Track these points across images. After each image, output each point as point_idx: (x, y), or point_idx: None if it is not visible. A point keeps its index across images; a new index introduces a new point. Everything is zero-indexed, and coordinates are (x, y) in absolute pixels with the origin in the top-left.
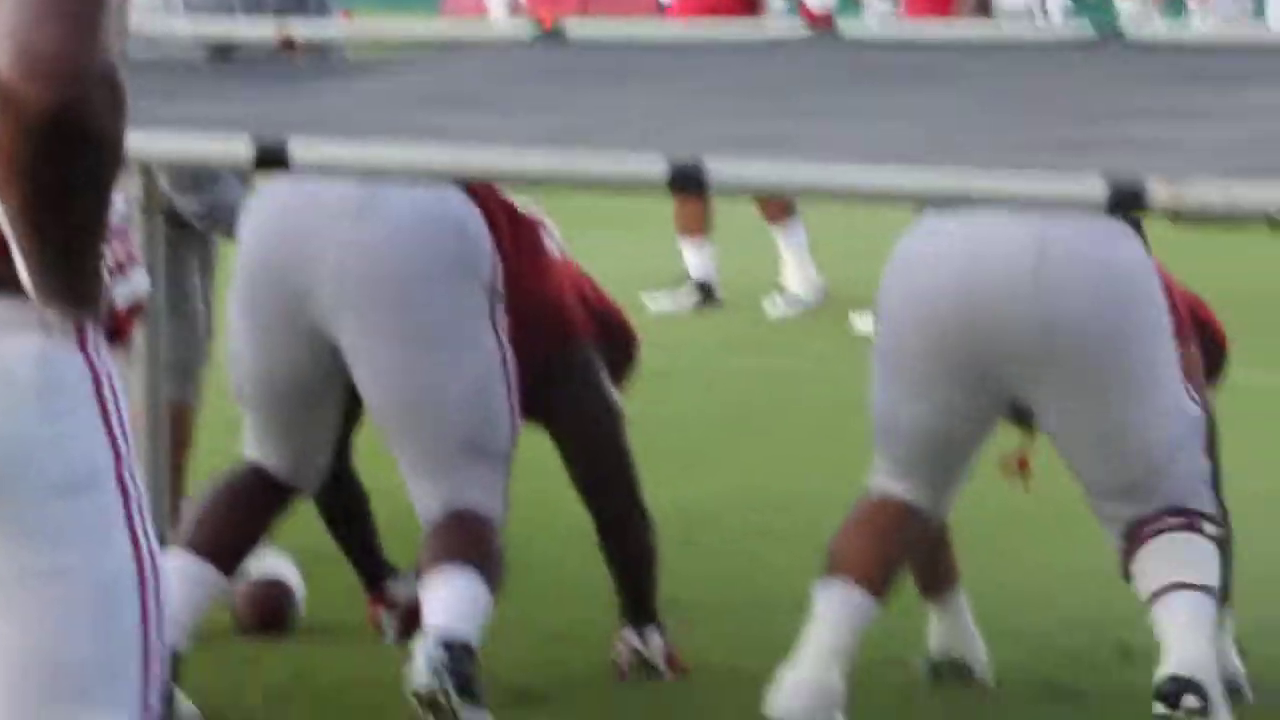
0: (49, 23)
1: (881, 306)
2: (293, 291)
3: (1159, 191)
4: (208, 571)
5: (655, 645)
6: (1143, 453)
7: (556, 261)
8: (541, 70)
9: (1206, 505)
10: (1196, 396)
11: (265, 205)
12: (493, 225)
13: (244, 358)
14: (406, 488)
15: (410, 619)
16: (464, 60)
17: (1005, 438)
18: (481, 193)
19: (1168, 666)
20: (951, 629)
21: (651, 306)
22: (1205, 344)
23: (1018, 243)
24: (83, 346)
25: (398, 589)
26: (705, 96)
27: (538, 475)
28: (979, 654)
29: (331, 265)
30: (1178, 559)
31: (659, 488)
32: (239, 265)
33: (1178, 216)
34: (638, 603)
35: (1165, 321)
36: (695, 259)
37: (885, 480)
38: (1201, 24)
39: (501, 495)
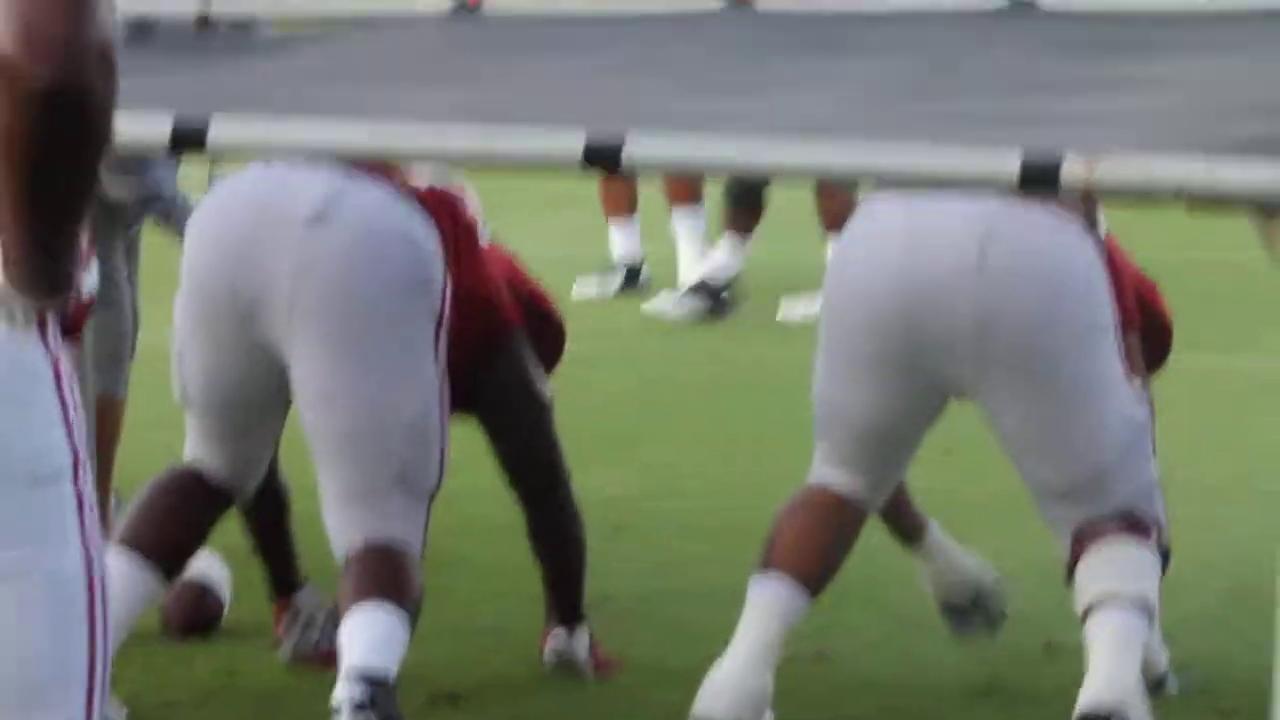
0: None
1: (825, 291)
2: (243, 301)
3: (1075, 168)
4: (148, 573)
5: (582, 644)
6: (1086, 455)
7: (488, 250)
8: (459, 45)
9: (1153, 512)
10: (1144, 397)
11: (217, 207)
12: (442, 240)
13: (189, 362)
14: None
15: (306, 635)
16: (382, 36)
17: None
18: (432, 203)
19: (1088, 695)
20: (942, 564)
21: (578, 291)
22: (1150, 333)
23: (961, 233)
24: (43, 338)
25: (303, 600)
26: (618, 72)
27: (466, 471)
28: (981, 573)
29: (283, 281)
30: (1119, 568)
31: (586, 475)
32: (187, 267)
33: (1090, 190)
34: (565, 600)
35: (1109, 322)
36: (621, 242)
37: (824, 468)
38: None
39: (421, 534)
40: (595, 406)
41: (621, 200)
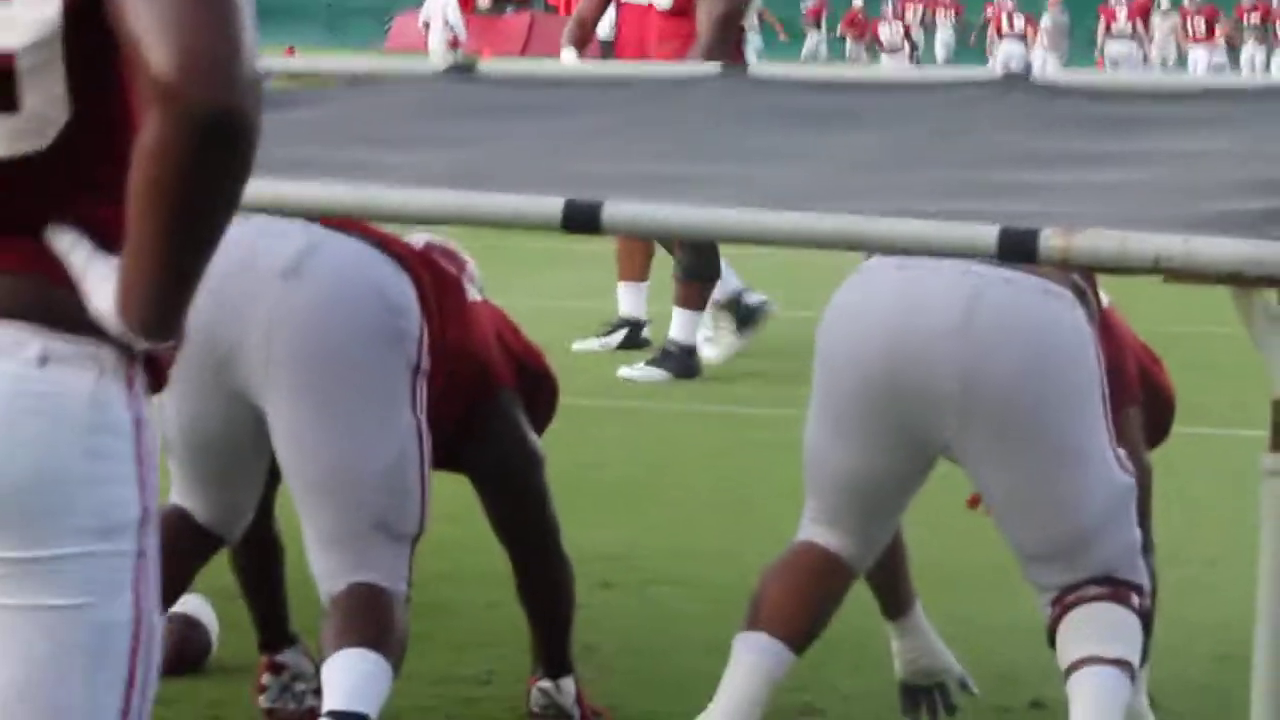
0: (210, 25)
1: (818, 349)
2: (221, 351)
3: (1052, 240)
4: None
5: (569, 694)
6: (1068, 518)
7: (478, 307)
8: (450, 105)
9: (1136, 576)
10: (1129, 465)
11: None
12: (420, 292)
13: (170, 409)
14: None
15: (284, 697)
16: (373, 95)
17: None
18: (409, 257)
19: None
20: (919, 645)
21: (579, 345)
22: (1153, 406)
23: (948, 294)
24: (130, 390)
25: (289, 659)
26: (610, 135)
27: (461, 520)
28: (952, 663)
29: (258, 332)
30: (1100, 631)
31: (579, 530)
32: None
33: (1067, 263)
34: (553, 650)
35: (1094, 388)
36: (627, 299)
37: (813, 526)
38: None
39: (405, 574)
40: (591, 461)
41: (636, 264)
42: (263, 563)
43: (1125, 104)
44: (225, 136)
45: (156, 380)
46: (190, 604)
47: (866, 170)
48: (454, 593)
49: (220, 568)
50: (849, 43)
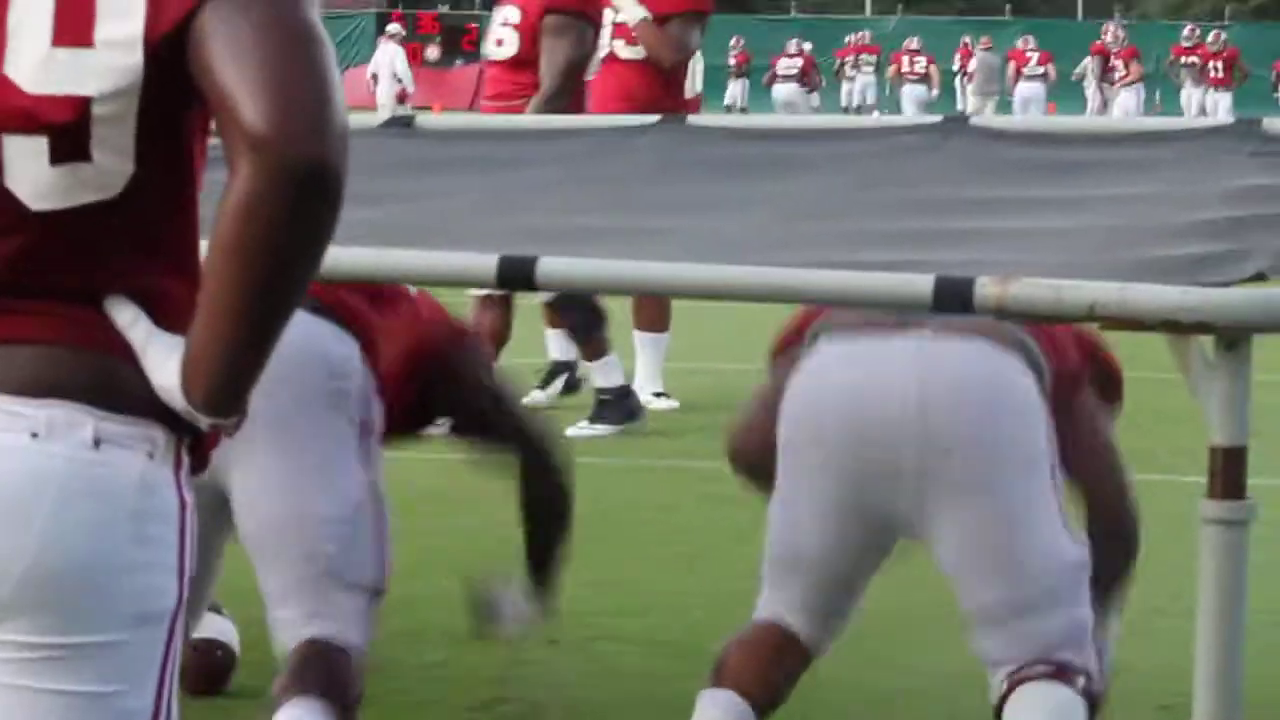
0: (303, 77)
1: (780, 437)
2: None
3: (988, 289)
4: None
5: (518, 607)
6: (1018, 582)
7: (418, 297)
8: (387, 160)
9: (1082, 659)
10: (1080, 538)
11: None
12: (363, 342)
13: None
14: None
15: None
16: None
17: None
18: (349, 308)
19: None
20: None
21: (529, 399)
22: (1102, 381)
23: (900, 377)
24: (177, 475)
25: None
26: (547, 188)
27: (419, 577)
28: None
29: None
30: (1044, 711)
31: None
32: None
33: (1002, 312)
34: (535, 565)
35: (1044, 458)
36: (557, 345)
37: (776, 607)
38: None
39: (363, 629)
40: None
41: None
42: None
43: (1062, 148)
44: (318, 189)
45: (201, 461)
46: (215, 626)
47: (804, 219)
48: (401, 651)
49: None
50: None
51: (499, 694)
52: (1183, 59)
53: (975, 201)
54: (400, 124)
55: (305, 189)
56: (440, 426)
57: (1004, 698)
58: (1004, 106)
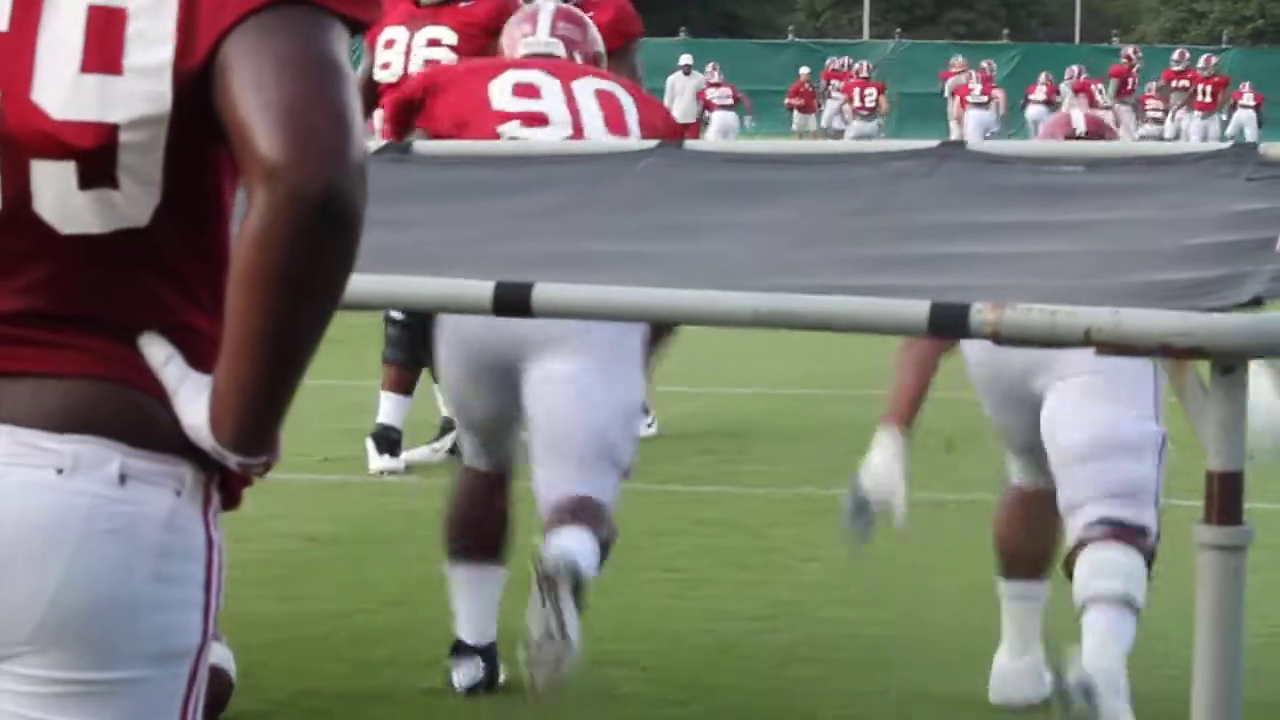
0: (321, 106)
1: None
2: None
3: (983, 315)
4: None
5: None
6: (1108, 426)
7: None
8: (383, 186)
9: (1140, 515)
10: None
11: None
12: None
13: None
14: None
15: None
16: None
17: None
18: None
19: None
20: None
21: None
22: None
23: None
24: (205, 513)
25: None
26: (543, 214)
27: (398, 605)
28: None
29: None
30: (1109, 570)
31: (519, 614)
32: None
33: (998, 337)
34: None
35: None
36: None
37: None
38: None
39: (616, 497)
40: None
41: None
42: None
43: (1054, 173)
44: (334, 220)
45: (231, 498)
46: (214, 652)
47: (800, 245)
48: (396, 678)
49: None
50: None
51: None
52: (1173, 83)
53: (971, 226)
54: (397, 150)
55: (321, 220)
56: (438, 453)
57: (1072, 558)
58: (1020, 130)
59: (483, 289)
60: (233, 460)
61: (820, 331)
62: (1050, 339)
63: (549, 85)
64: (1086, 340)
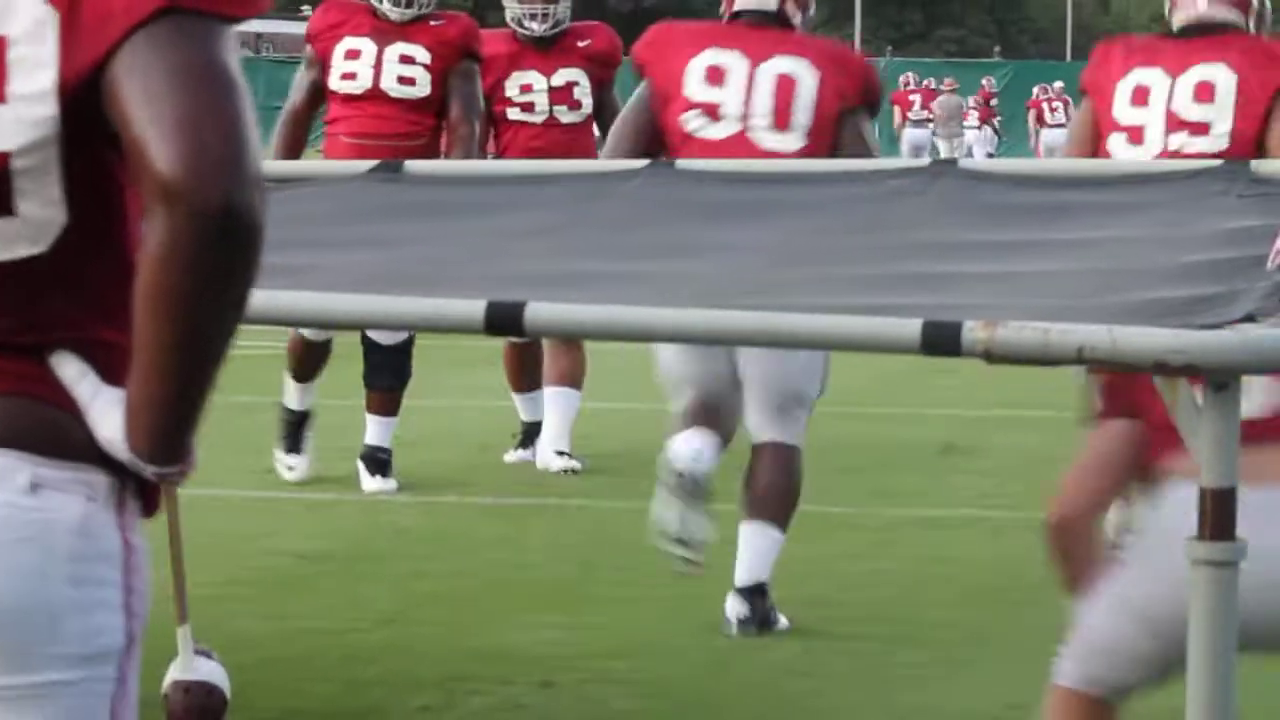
0: (215, 122)
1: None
2: None
3: (975, 333)
4: None
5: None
6: None
7: None
8: (375, 206)
9: None
10: None
11: None
12: None
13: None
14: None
15: None
16: (298, 197)
17: None
18: None
19: None
20: None
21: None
22: None
23: None
24: (120, 518)
25: None
26: (535, 233)
27: (390, 624)
28: None
29: None
30: None
31: (513, 632)
32: None
33: (990, 356)
34: None
35: None
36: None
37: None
38: None
39: (803, 434)
40: (520, 561)
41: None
42: None
43: (1050, 190)
44: (233, 235)
45: (149, 504)
46: (206, 669)
47: (792, 263)
48: (388, 697)
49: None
50: None
51: None
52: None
53: (963, 244)
54: (389, 170)
55: (217, 236)
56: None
57: None
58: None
59: (474, 308)
60: (149, 471)
61: (812, 350)
62: (1043, 357)
63: (736, 70)
64: (1079, 358)
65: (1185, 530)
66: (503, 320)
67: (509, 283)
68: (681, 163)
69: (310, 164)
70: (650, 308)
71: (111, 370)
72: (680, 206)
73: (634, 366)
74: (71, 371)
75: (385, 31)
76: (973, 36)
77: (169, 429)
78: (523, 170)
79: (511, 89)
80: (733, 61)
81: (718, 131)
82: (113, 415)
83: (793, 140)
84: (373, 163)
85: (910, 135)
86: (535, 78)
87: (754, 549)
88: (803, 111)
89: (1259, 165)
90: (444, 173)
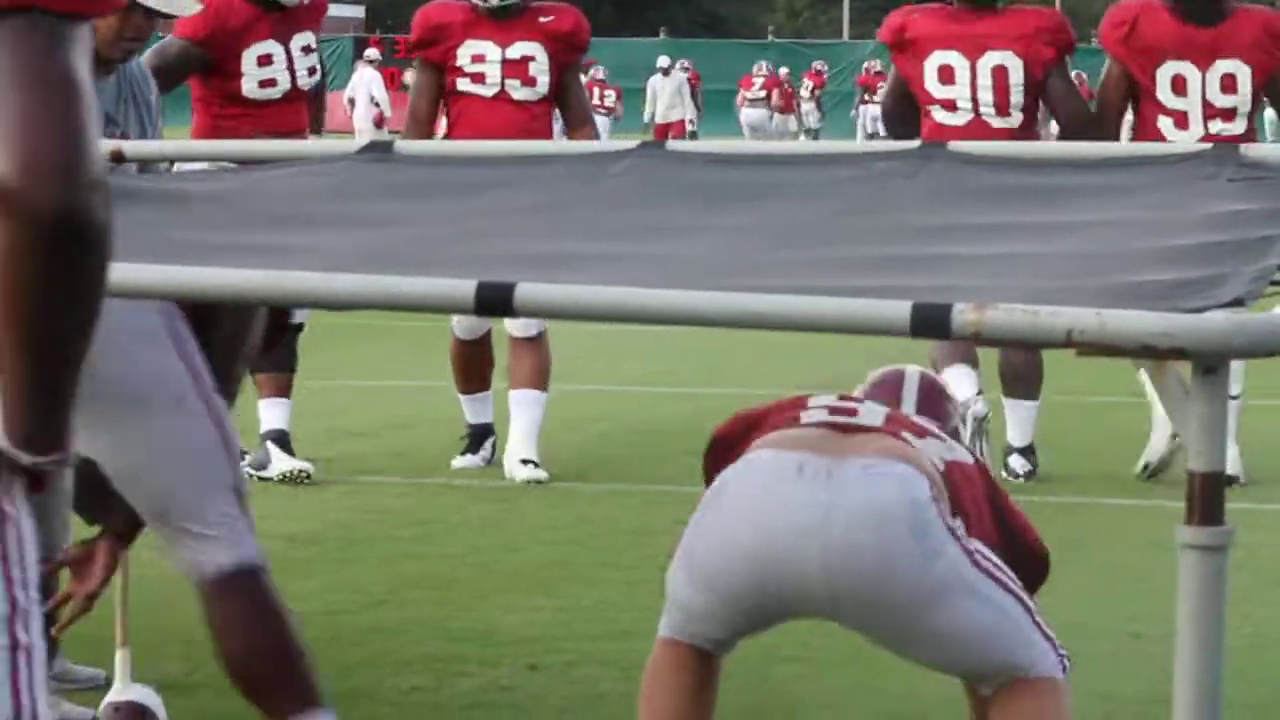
0: (50, 127)
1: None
2: None
3: (965, 316)
4: None
5: None
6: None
7: None
8: (365, 186)
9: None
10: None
11: None
12: None
13: None
14: None
15: None
16: (288, 177)
17: None
18: None
19: None
20: None
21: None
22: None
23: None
24: None
25: None
26: (525, 214)
27: (379, 606)
28: None
29: None
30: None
31: (501, 614)
32: None
33: (979, 338)
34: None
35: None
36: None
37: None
38: None
39: None
40: (509, 544)
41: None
42: None
43: (1039, 174)
44: (71, 239)
45: (36, 482)
46: (136, 692)
47: (782, 246)
48: (377, 679)
49: (165, 655)
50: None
51: None
52: None
53: (953, 227)
54: (379, 149)
55: (56, 239)
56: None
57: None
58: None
59: (464, 288)
60: (25, 459)
61: (802, 332)
62: (1032, 339)
63: None
64: (1068, 341)
65: (744, 490)
66: (493, 300)
67: (500, 263)
68: (672, 144)
69: (299, 144)
70: (639, 289)
71: None
72: (670, 188)
73: (620, 348)
74: None
75: (281, 31)
76: None
77: (38, 419)
78: (514, 150)
79: (463, 58)
80: None
81: None
82: None
83: None
84: (363, 141)
85: (748, 115)
86: (489, 48)
87: None
88: None
89: (1248, 149)
90: (434, 153)
